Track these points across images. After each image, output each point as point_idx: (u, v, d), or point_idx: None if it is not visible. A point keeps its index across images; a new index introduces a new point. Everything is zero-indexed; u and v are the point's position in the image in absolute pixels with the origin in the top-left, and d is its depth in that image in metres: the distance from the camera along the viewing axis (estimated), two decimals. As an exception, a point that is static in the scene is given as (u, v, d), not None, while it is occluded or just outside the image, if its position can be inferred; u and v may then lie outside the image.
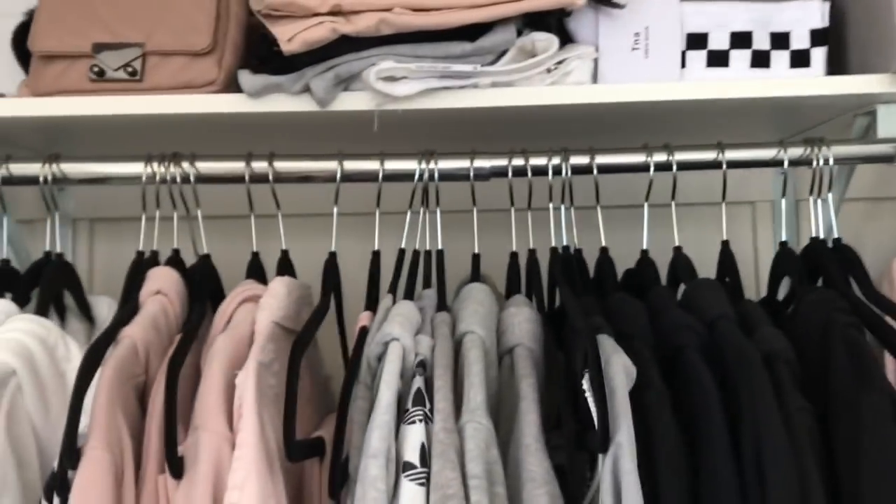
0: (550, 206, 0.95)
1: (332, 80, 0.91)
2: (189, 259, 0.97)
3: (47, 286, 0.91)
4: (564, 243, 0.95)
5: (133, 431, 0.74)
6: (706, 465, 0.70)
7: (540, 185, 0.95)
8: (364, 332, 0.81)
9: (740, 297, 0.92)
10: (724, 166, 0.94)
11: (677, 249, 0.95)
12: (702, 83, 0.95)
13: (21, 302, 0.91)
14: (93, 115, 0.95)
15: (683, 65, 0.97)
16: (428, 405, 0.71)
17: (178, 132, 1.04)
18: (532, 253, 0.94)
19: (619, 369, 0.70)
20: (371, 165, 0.95)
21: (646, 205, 0.96)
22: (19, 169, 0.95)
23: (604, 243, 0.96)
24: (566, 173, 0.94)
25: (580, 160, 0.94)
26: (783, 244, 0.96)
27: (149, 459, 0.73)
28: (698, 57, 0.98)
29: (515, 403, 0.73)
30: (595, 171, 0.94)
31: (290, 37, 0.88)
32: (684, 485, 0.69)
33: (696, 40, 0.98)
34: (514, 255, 0.96)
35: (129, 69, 0.96)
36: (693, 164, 0.95)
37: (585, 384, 0.69)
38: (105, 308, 1.00)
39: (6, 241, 1.04)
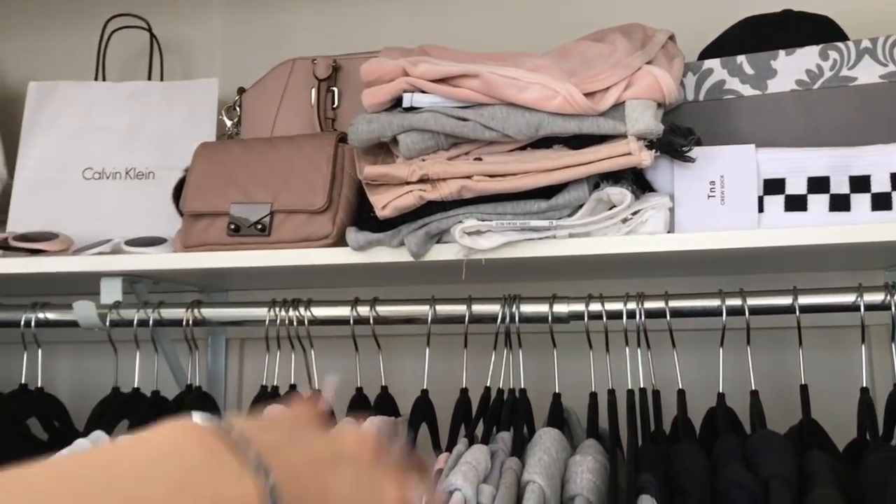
0: (626, 349, 1.01)
1: (423, 237, 1.02)
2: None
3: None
4: (641, 385, 1.00)
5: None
6: None
7: (616, 325, 1.01)
8: (438, 475, 0.90)
9: (814, 445, 0.92)
10: (798, 311, 0.96)
11: (754, 394, 0.97)
12: (780, 231, 0.96)
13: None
14: (230, 267, 1.12)
15: (761, 209, 1.00)
16: (481, 556, 0.78)
17: (300, 274, 1.20)
18: (611, 394, 1.00)
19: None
20: (459, 308, 1.06)
21: (720, 350, 0.99)
22: (168, 314, 1.13)
23: (680, 385, 1.00)
24: (640, 317, 1.00)
25: (655, 304, 1.00)
26: (863, 391, 0.95)
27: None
28: (776, 202, 1.00)
29: (566, 556, 0.79)
30: (668, 316, 0.99)
31: (384, 204, 1.01)
32: None
33: (773, 185, 1.01)
34: (593, 396, 1.02)
35: (260, 226, 1.12)
36: (767, 309, 0.98)
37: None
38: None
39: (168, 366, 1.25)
